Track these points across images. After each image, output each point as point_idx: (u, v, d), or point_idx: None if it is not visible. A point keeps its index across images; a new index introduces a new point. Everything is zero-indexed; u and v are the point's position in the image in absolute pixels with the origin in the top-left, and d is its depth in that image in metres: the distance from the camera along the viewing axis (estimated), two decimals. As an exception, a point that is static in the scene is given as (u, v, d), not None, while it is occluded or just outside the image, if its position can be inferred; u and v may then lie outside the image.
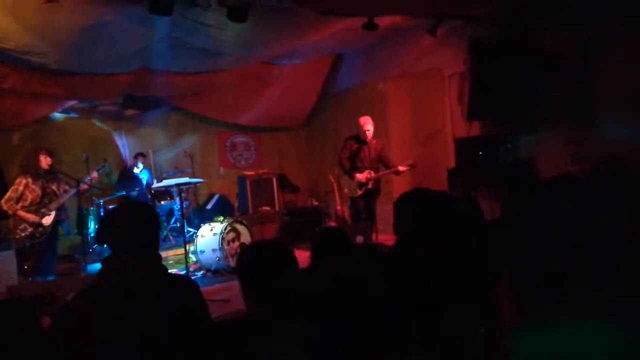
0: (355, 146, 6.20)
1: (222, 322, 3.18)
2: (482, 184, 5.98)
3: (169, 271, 2.15)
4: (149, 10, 4.35)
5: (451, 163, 6.65)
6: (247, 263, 1.81)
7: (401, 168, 6.02)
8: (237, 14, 4.63)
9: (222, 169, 8.99)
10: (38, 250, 5.26)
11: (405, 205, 2.47)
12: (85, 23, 4.52)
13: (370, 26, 5.32)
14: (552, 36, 5.36)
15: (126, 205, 2.42)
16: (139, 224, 2.02)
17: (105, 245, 2.16)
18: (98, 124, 7.94)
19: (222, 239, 5.75)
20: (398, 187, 7.33)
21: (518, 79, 5.57)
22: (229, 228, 5.87)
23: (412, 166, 6.05)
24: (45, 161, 5.07)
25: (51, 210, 5.13)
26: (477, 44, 5.67)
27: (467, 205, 4.26)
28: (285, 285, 1.69)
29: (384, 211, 7.21)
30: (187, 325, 1.89)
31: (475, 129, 6.33)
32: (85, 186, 5.39)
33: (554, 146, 5.56)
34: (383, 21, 5.68)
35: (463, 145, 6.41)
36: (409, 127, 7.41)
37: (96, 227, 6.78)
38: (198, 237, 5.96)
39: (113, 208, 2.28)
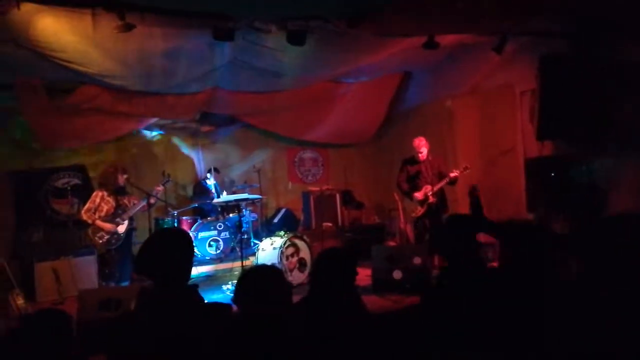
0: (413, 168, 6.23)
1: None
2: (554, 207, 5.67)
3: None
4: (212, 37, 4.65)
5: (521, 184, 6.35)
6: (241, 289, 1.89)
7: (453, 174, 6.00)
8: (295, 38, 4.80)
9: (290, 183, 9.21)
10: (114, 256, 5.74)
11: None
12: (157, 49, 4.90)
13: (430, 45, 5.24)
14: (631, 52, 4.96)
15: (159, 235, 2.48)
16: (170, 256, 2.08)
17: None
18: (176, 140, 8.47)
19: (282, 253, 5.90)
20: (466, 206, 7.11)
21: (592, 97, 5.22)
22: (288, 243, 6.01)
23: (465, 169, 6.02)
24: (122, 178, 5.64)
25: (124, 220, 5.63)
26: (548, 60, 5.40)
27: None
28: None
29: (449, 231, 7.01)
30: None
31: (548, 149, 6.01)
32: (153, 199, 5.83)
33: (633, 170, 5.13)
34: (449, 39, 5.58)
35: (534, 166, 6.09)
36: (478, 146, 7.16)
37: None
38: (259, 251, 6.14)
39: (149, 237, 2.30)
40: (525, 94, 6.30)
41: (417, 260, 5.46)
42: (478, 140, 7.16)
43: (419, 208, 6.22)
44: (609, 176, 5.29)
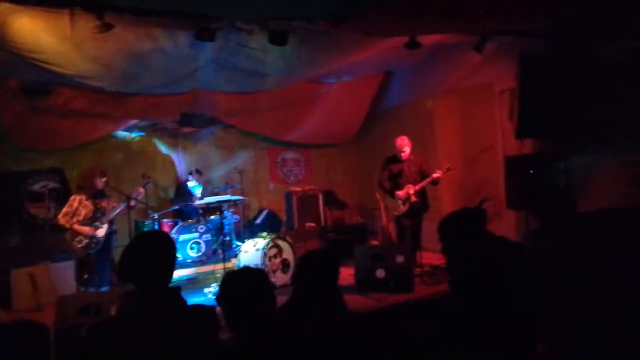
0: (395, 167, 6.26)
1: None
2: (532, 203, 5.76)
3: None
4: (195, 37, 4.61)
5: (501, 182, 6.43)
6: (224, 292, 1.87)
7: (436, 175, 6.03)
8: (277, 38, 4.77)
9: (272, 184, 9.18)
10: (93, 260, 5.63)
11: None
12: (136, 49, 4.82)
13: (412, 45, 5.27)
14: (607, 50, 5.05)
15: (140, 239, 2.44)
16: (153, 258, 2.05)
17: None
18: (156, 141, 8.36)
19: (265, 254, 5.86)
20: (448, 205, 7.16)
21: (571, 96, 5.32)
22: (271, 244, 5.97)
23: (448, 170, 6.03)
24: (100, 182, 5.55)
25: (103, 224, 5.54)
26: (528, 59, 5.48)
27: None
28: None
29: (431, 228, 7.05)
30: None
31: (528, 147, 6.10)
32: (133, 202, 5.74)
33: (610, 167, 5.23)
34: (429, 39, 5.62)
35: (513, 164, 6.17)
36: (459, 145, 7.24)
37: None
38: (241, 253, 6.09)
39: (130, 243, 2.24)
40: (504, 93, 6.37)
41: (399, 259, 5.49)
42: (459, 138, 7.24)
43: (401, 206, 6.26)
44: (586, 173, 5.39)
